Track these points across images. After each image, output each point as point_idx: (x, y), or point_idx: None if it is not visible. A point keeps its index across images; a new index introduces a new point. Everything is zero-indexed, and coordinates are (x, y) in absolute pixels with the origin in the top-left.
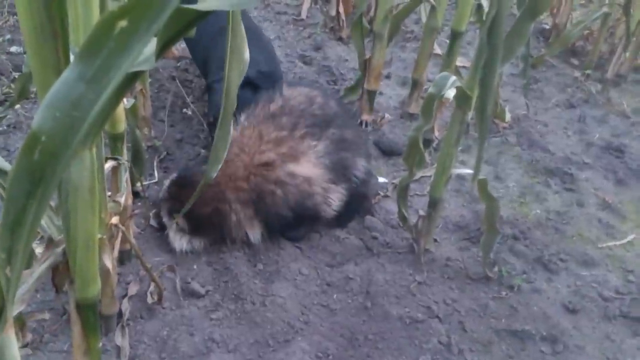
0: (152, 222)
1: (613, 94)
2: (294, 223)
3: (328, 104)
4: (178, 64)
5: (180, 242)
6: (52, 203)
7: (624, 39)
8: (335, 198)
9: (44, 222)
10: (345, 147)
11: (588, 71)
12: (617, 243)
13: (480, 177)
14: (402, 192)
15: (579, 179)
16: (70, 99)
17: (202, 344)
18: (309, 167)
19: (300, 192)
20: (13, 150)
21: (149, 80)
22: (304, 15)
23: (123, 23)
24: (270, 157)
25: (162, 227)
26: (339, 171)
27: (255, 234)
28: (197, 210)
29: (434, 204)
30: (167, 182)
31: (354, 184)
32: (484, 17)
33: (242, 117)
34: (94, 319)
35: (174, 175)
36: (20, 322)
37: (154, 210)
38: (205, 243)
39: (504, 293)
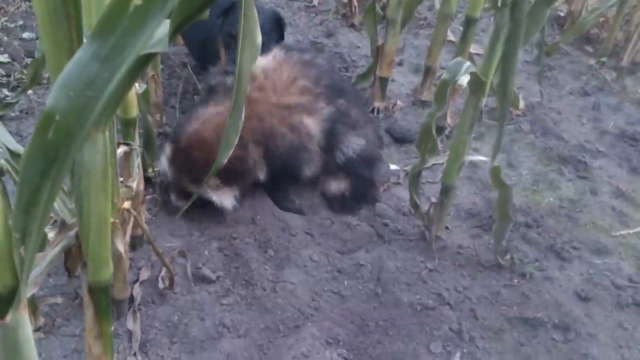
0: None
1: (628, 81)
2: (279, 176)
3: (344, 78)
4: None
5: (225, 199)
6: (65, 187)
7: (639, 26)
8: (316, 164)
9: (57, 205)
10: (344, 122)
11: (603, 59)
12: (631, 231)
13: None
14: (414, 179)
15: (592, 167)
16: (84, 79)
17: (213, 328)
18: (314, 124)
19: (301, 144)
20: (25, 136)
21: (161, 66)
22: (315, 2)
23: (137, 1)
24: (294, 102)
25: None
26: (329, 141)
27: (262, 175)
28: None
29: (446, 191)
30: (165, 155)
31: (339, 159)
32: (498, 3)
33: (277, 54)
34: (106, 303)
35: (169, 144)
36: (33, 306)
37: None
38: (238, 194)
39: (515, 281)
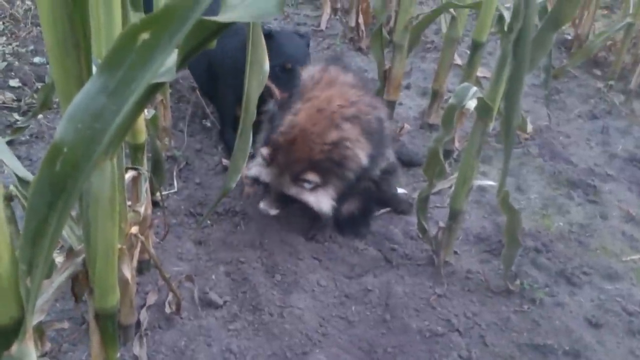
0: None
1: (636, 105)
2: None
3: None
4: None
5: (323, 200)
6: (73, 213)
7: None
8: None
9: (64, 231)
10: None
11: (611, 82)
12: None
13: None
14: (422, 203)
15: (602, 191)
16: (92, 111)
17: (220, 354)
18: (381, 106)
19: (382, 125)
20: (35, 160)
21: (169, 91)
22: (323, 26)
23: (145, 35)
24: (355, 82)
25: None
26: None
27: (364, 155)
28: (316, 155)
29: (454, 215)
30: (261, 157)
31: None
32: (505, 28)
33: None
34: (113, 329)
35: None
36: (39, 331)
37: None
38: (335, 195)
39: (525, 307)
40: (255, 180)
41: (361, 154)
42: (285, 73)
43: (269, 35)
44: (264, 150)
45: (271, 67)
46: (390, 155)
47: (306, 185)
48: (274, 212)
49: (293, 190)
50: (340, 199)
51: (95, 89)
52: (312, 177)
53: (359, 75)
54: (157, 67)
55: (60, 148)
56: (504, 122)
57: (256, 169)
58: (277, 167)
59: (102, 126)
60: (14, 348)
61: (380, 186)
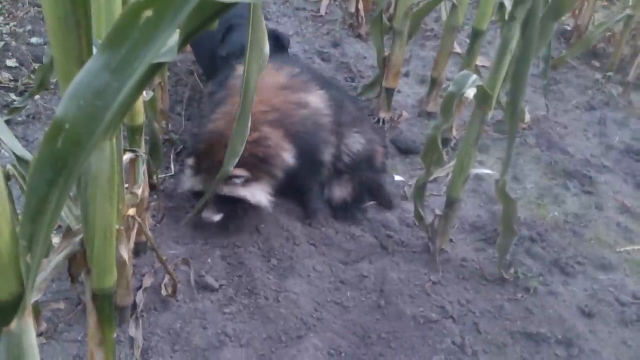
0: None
1: (634, 97)
2: (304, 163)
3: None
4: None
5: (258, 194)
6: (71, 193)
7: None
8: (333, 145)
9: (62, 212)
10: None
11: (609, 74)
12: (636, 247)
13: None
14: (420, 191)
15: (598, 182)
16: (95, 89)
17: (215, 337)
18: (319, 101)
19: (315, 117)
20: (32, 141)
21: (168, 74)
22: (323, 12)
23: (149, 13)
24: (289, 83)
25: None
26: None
27: (289, 156)
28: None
29: (451, 203)
30: (188, 169)
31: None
32: (506, 16)
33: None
34: (110, 310)
35: (189, 158)
36: (36, 312)
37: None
38: (271, 189)
39: (519, 295)
40: (191, 193)
41: (285, 155)
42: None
43: (231, 27)
44: (190, 161)
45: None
46: (356, 143)
47: (236, 181)
48: (217, 217)
49: (226, 190)
50: (331, 187)
51: (98, 67)
52: (239, 172)
53: (298, 70)
54: (160, 45)
55: (62, 125)
56: (508, 112)
57: (188, 181)
58: (205, 173)
59: (104, 104)
60: (14, 324)
61: (359, 175)
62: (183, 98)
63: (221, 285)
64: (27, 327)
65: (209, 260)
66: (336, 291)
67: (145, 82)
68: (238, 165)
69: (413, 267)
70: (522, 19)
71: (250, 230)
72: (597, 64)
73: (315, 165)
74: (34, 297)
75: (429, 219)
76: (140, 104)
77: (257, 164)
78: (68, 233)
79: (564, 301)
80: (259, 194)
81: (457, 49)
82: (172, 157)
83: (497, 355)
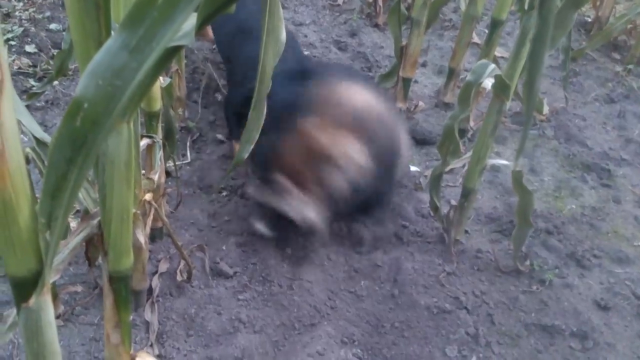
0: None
1: None
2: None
3: None
4: (213, 47)
5: (307, 209)
6: (89, 177)
7: None
8: None
9: (80, 194)
10: None
11: (630, 66)
12: None
13: (516, 169)
14: (435, 181)
15: (616, 175)
16: (113, 68)
17: (229, 323)
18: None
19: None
20: (50, 126)
21: (185, 61)
22: (340, 1)
23: None
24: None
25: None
26: None
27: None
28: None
29: (467, 194)
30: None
31: None
32: (525, 6)
33: None
34: (126, 293)
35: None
36: (53, 294)
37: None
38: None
39: (534, 287)
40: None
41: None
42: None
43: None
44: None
45: None
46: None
47: (281, 190)
48: (266, 231)
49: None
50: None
51: (117, 46)
52: (281, 179)
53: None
54: (178, 26)
55: (81, 103)
56: (524, 98)
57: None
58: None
59: (122, 83)
60: (32, 300)
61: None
62: (200, 86)
63: (235, 272)
64: (45, 305)
65: (224, 247)
66: (350, 280)
67: (162, 64)
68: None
69: (427, 257)
70: (539, 3)
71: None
72: (618, 56)
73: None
74: (52, 277)
75: (444, 209)
76: (157, 90)
77: (313, 181)
78: (86, 215)
79: (580, 294)
80: (306, 209)
81: (476, 39)
82: (188, 144)
83: (511, 347)
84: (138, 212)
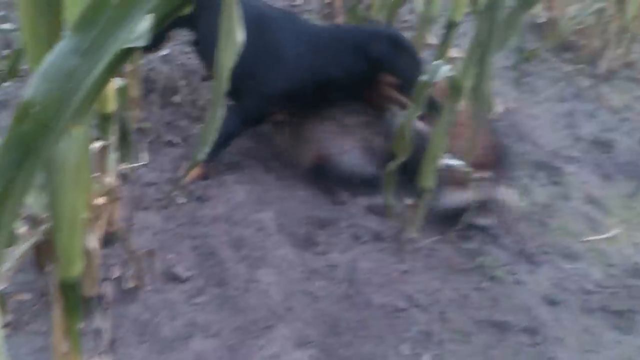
0: None
1: (604, 89)
2: None
3: None
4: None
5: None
6: (38, 181)
7: (617, 34)
8: None
9: (29, 200)
10: None
11: (580, 66)
12: (601, 237)
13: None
14: (389, 180)
15: (566, 172)
16: (64, 70)
17: (184, 328)
18: None
19: None
20: (1, 127)
21: (141, 61)
22: (299, 1)
23: None
24: None
25: None
26: None
27: None
28: None
29: (421, 193)
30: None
31: None
32: (479, 8)
33: None
34: (76, 300)
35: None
36: (1, 302)
37: None
38: None
39: (485, 284)
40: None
41: None
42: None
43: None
44: None
45: (411, 82)
46: None
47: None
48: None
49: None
50: None
51: (69, 48)
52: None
53: None
54: (132, 28)
55: (30, 107)
56: (473, 100)
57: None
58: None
59: (73, 86)
60: None
61: None
62: (157, 86)
63: (191, 276)
64: None
65: (179, 250)
66: (306, 281)
67: (116, 65)
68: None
69: (382, 256)
70: (484, 16)
71: (221, 219)
72: (569, 56)
73: None
74: None
75: (399, 208)
76: (111, 91)
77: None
78: (34, 221)
79: (529, 290)
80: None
81: (433, 40)
82: (144, 145)
83: (463, 343)
84: (90, 216)
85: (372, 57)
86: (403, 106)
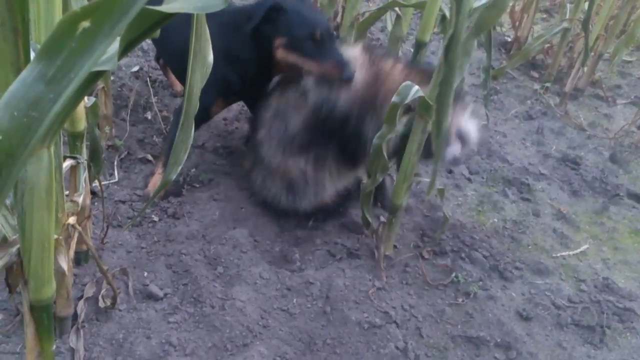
0: None
1: (570, 107)
2: None
3: None
4: (139, 65)
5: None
6: (7, 202)
7: (582, 53)
8: None
9: None
10: None
11: (547, 84)
12: (571, 253)
13: (439, 186)
14: (366, 197)
15: (535, 189)
16: (29, 99)
17: (159, 347)
18: None
19: None
20: None
21: (111, 78)
22: None
23: (86, 24)
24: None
25: None
26: None
27: None
28: None
29: (394, 210)
30: None
31: None
32: (447, 28)
33: None
34: (48, 321)
35: None
36: None
37: None
38: None
39: (460, 300)
40: None
41: None
42: (316, 43)
43: (280, 9)
44: None
45: (298, 39)
46: None
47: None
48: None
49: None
50: None
51: (33, 77)
52: None
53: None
54: (98, 55)
55: None
56: (435, 123)
57: None
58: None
59: (39, 114)
60: None
61: None
62: (128, 103)
63: (166, 294)
64: None
65: (154, 269)
66: (282, 298)
67: (83, 91)
68: None
69: (358, 273)
70: (445, 44)
71: (196, 237)
72: (536, 75)
73: None
74: None
75: (374, 225)
76: (81, 109)
77: None
78: (4, 243)
79: (503, 305)
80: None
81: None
82: (115, 163)
83: (439, 359)
84: (61, 237)
85: (260, 26)
86: (299, 69)
